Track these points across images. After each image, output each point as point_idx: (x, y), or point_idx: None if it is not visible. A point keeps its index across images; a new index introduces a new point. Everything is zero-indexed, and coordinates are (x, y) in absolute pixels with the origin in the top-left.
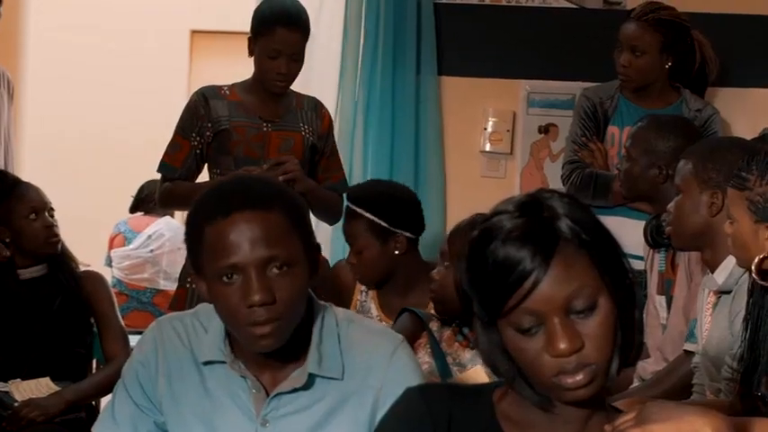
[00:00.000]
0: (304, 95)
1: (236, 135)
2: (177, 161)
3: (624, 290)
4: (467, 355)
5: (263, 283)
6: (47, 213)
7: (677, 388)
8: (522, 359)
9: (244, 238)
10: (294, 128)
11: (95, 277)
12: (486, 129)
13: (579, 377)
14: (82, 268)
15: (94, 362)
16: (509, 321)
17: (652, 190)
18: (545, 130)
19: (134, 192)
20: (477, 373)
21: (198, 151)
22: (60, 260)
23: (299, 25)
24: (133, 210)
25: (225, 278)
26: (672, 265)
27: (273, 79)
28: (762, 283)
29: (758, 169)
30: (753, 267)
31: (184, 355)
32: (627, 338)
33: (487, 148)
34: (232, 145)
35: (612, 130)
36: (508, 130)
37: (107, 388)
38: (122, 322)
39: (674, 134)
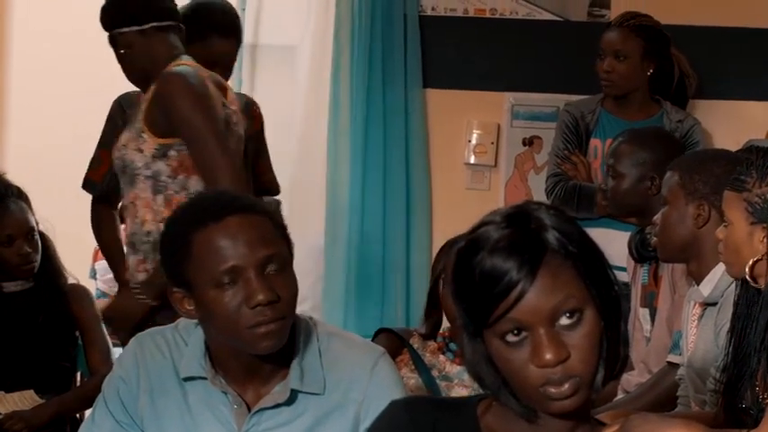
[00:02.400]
0: (235, 94)
1: None
2: (98, 176)
3: (610, 302)
4: (454, 368)
5: (265, 282)
6: (25, 239)
7: (661, 400)
8: (507, 370)
9: (240, 241)
10: None
11: (80, 291)
12: (470, 141)
13: (564, 387)
14: (70, 280)
15: (79, 375)
16: (495, 332)
17: (643, 203)
18: (529, 142)
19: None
20: None
21: None
22: (45, 274)
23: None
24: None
25: (221, 283)
26: (654, 277)
27: None
28: (754, 285)
29: (757, 171)
30: (746, 270)
31: (166, 370)
32: (612, 351)
33: (472, 160)
34: None
35: (595, 142)
36: (492, 143)
37: (91, 401)
38: (107, 336)
39: (658, 144)
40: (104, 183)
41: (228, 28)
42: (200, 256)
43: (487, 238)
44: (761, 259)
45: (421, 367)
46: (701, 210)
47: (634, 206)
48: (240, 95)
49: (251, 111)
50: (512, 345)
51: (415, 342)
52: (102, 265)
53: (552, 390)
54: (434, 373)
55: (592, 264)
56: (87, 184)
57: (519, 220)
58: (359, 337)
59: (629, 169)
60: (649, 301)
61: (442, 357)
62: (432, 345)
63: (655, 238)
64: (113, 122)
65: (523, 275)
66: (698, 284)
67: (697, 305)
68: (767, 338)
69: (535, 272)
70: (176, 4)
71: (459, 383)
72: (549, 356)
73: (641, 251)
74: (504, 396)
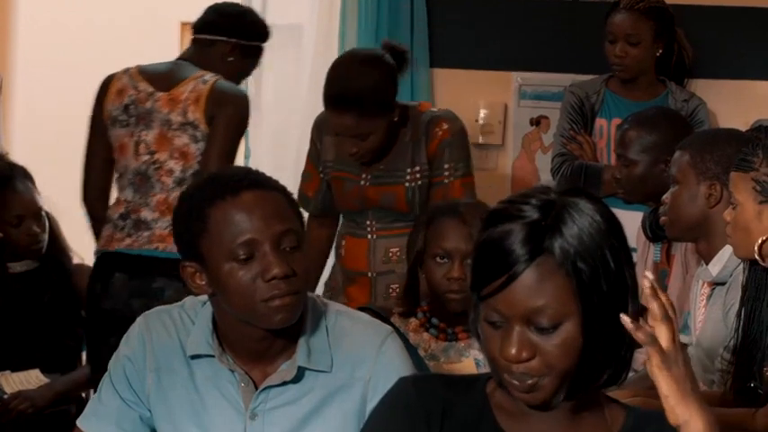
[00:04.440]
0: (424, 113)
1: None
2: (310, 190)
3: (605, 315)
4: (440, 345)
5: (282, 256)
6: (33, 219)
7: None
8: (485, 348)
9: (258, 215)
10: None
11: (85, 270)
12: (477, 121)
13: (524, 383)
14: (75, 260)
15: (84, 354)
16: (484, 307)
17: (660, 186)
18: (536, 122)
19: None
20: (466, 367)
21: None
22: (52, 254)
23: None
24: None
25: (237, 257)
26: (667, 255)
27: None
28: (763, 264)
29: (763, 151)
30: (755, 249)
31: (173, 348)
32: (593, 359)
33: (479, 140)
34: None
35: (600, 122)
36: (500, 122)
37: (97, 380)
38: None
39: (664, 125)
40: (318, 200)
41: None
42: (216, 229)
43: (500, 213)
44: None
45: (409, 348)
46: (712, 189)
47: (649, 191)
48: (427, 116)
49: (431, 132)
50: (493, 326)
51: (396, 321)
52: None
53: (513, 381)
54: (420, 352)
55: (596, 280)
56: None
57: (549, 211)
58: (366, 316)
59: (640, 155)
60: (661, 280)
61: (425, 335)
62: (413, 322)
63: (664, 217)
64: (313, 143)
65: (511, 266)
66: (706, 264)
67: (705, 285)
68: None
69: (522, 269)
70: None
71: (446, 361)
72: (512, 352)
73: (655, 230)
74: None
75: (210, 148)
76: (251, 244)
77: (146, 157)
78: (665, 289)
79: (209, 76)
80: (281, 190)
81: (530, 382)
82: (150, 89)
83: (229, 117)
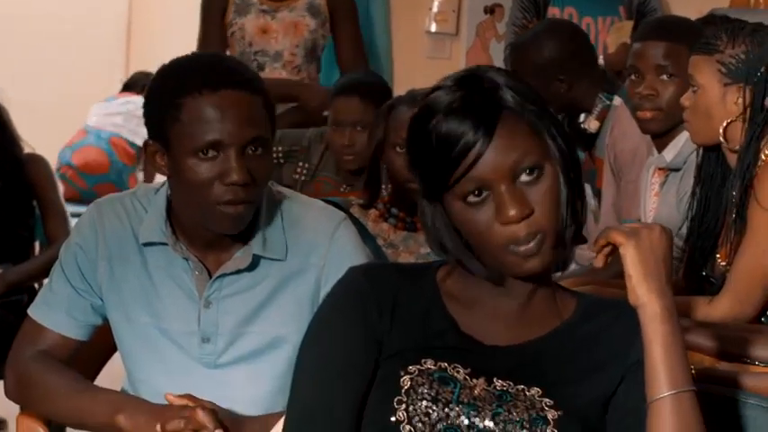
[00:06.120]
0: None
1: None
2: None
3: (568, 158)
4: (399, 235)
5: (243, 163)
6: None
7: (620, 272)
8: (471, 232)
9: (231, 117)
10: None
11: (37, 160)
12: (431, 9)
13: (531, 245)
14: (27, 151)
15: (37, 244)
16: (456, 194)
17: (564, 101)
18: (491, 10)
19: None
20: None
21: None
22: (1, 144)
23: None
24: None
25: (201, 153)
26: (591, 156)
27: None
28: (728, 147)
29: (727, 35)
30: (720, 132)
31: (125, 236)
32: (576, 208)
33: (433, 28)
34: None
35: (553, 11)
36: (454, 11)
37: (49, 270)
38: (64, 204)
39: (546, 41)
40: None
41: None
42: (187, 121)
43: (441, 102)
44: (734, 120)
45: (366, 236)
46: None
47: (563, 107)
48: None
49: None
50: (474, 205)
51: (356, 212)
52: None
53: (519, 248)
54: (379, 241)
55: (547, 121)
56: None
57: (471, 81)
58: (320, 202)
59: (534, 78)
60: (590, 178)
61: (384, 225)
62: (372, 212)
63: (652, 112)
64: None
65: (480, 135)
66: (659, 152)
67: (657, 173)
68: (730, 207)
69: (492, 131)
70: None
71: (405, 250)
72: (512, 212)
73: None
74: (468, 261)
75: None
76: (217, 145)
77: None
78: (594, 188)
79: None
80: (262, 93)
81: (535, 241)
82: None
83: None
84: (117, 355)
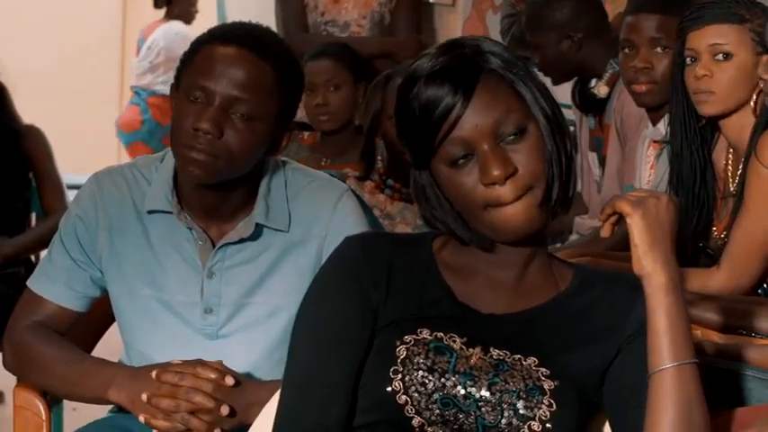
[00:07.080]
0: None
1: None
2: None
3: (553, 119)
4: (395, 206)
5: (216, 115)
6: None
7: (619, 244)
8: (457, 195)
9: (225, 70)
10: None
11: (34, 132)
12: None
13: (517, 205)
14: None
15: (33, 216)
16: (441, 158)
17: (574, 63)
18: None
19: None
20: None
21: None
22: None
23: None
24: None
25: (191, 96)
26: (600, 124)
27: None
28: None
29: (748, 7)
30: (753, 97)
31: (125, 207)
32: (562, 167)
33: None
34: None
35: None
36: None
37: (46, 242)
38: (61, 176)
39: (558, 3)
40: None
41: None
42: (194, 63)
43: (423, 69)
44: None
45: (363, 208)
46: None
47: (567, 70)
48: None
49: None
50: (459, 167)
51: (352, 183)
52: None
53: (507, 211)
54: (376, 212)
55: (529, 83)
56: None
57: (452, 48)
58: (323, 174)
59: (546, 36)
60: (597, 146)
61: (381, 196)
62: (369, 184)
63: (647, 85)
64: None
65: (460, 97)
66: (654, 124)
67: (652, 145)
68: (724, 178)
69: (471, 92)
70: None
71: (402, 221)
72: (496, 172)
73: (583, 101)
74: (458, 229)
75: None
76: (203, 90)
77: None
78: (601, 156)
79: None
80: (278, 67)
81: (520, 201)
82: None
83: None
84: (115, 326)
